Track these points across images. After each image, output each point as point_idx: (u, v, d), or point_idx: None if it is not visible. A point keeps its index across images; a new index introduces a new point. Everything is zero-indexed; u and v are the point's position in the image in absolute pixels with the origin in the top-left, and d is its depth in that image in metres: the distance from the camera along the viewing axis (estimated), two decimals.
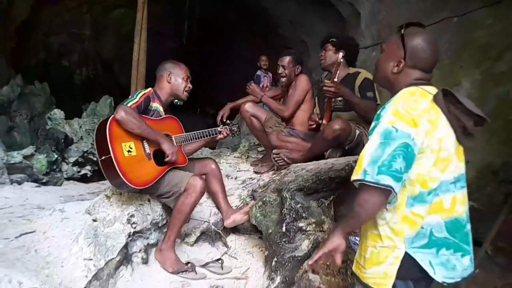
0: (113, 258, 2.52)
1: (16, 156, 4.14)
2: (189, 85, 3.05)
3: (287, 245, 2.61)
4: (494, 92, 3.92)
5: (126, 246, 2.66)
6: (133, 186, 2.57)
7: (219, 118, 3.58)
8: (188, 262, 2.83)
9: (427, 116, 1.47)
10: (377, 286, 1.53)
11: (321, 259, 1.62)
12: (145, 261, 2.79)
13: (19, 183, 3.92)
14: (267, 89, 7.19)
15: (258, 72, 7.56)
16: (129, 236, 2.70)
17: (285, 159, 3.39)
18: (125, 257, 2.65)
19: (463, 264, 1.53)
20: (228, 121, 3.42)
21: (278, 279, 2.48)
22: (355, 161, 2.90)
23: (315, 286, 2.39)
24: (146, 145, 2.74)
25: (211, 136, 3.16)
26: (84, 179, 4.72)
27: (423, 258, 1.49)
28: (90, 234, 2.51)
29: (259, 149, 4.84)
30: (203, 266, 2.89)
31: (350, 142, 3.17)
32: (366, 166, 1.44)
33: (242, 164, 4.12)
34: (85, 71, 9.72)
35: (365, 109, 3.15)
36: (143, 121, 2.66)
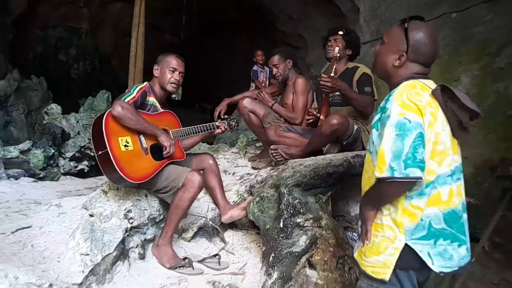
0: (110, 253, 2.51)
1: (13, 151, 4.12)
2: (175, 76, 2.96)
3: (284, 240, 2.60)
4: (492, 88, 3.92)
5: (123, 241, 2.64)
6: (131, 181, 2.55)
7: (216, 114, 3.58)
8: (185, 258, 2.82)
9: (430, 108, 1.50)
10: (376, 275, 1.56)
11: (367, 236, 1.63)
12: (142, 257, 2.78)
13: (16, 178, 3.91)
14: (263, 84, 7.18)
15: (255, 67, 7.53)
16: (126, 231, 2.69)
17: (283, 154, 3.39)
18: (122, 253, 2.63)
19: (459, 254, 1.56)
20: (226, 116, 3.40)
21: (275, 275, 2.47)
22: (353, 157, 2.95)
23: (313, 281, 2.38)
24: (143, 139, 2.72)
25: (209, 130, 3.14)
26: (81, 174, 4.71)
27: (422, 249, 1.51)
28: (87, 229, 2.50)
29: (257, 144, 4.84)
30: (200, 261, 2.88)
31: (348, 137, 3.17)
32: (390, 161, 1.44)
33: (240, 160, 4.11)
34: (82, 65, 9.67)
35: (362, 104, 3.15)
36: (140, 116, 2.65)
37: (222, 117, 3.42)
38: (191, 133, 3.04)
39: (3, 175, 3.82)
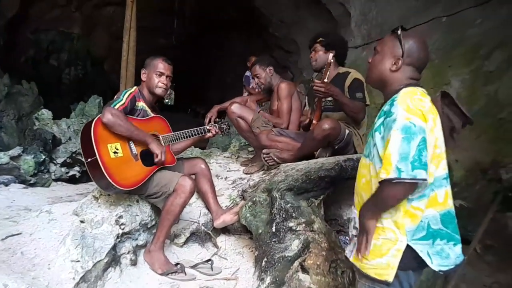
0: (101, 260, 2.49)
1: (3, 157, 4.08)
2: (162, 80, 2.92)
3: (277, 245, 2.60)
4: (483, 91, 3.95)
5: (114, 247, 2.63)
6: (121, 188, 2.54)
7: (206, 121, 3.57)
8: (178, 263, 2.81)
9: (431, 115, 1.56)
10: (379, 276, 1.60)
11: (367, 248, 1.64)
12: (134, 263, 2.76)
13: (6, 184, 3.87)
14: (257, 90, 7.17)
15: (247, 73, 7.50)
16: (118, 237, 2.67)
17: (275, 158, 3.38)
18: (114, 259, 2.61)
19: (455, 252, 1.62)
20: (217, 119, 3.40)
21: (268, 280, 2.46)
22: (345, 161, 2.95)
23: (305, 286, 2.39)
24: (132, 146, 2.71)
25: (200, 134, 3.14)
26: (72, 180, 4.67)
27: (422, 249, 1.57)
28: (77, 236, 2.48)
29: (250, 149, 4.83)
30: (193, 267, 2.87)
31: (339, 141, 3.17)
32: (397, 163, 1.48)
33: (232, 164, 4.11)
34: (74, 70, 9.61)
35: (353, 110, 3.17)
36: (130, 123, 2.63)
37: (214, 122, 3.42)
38: (181, 137, 3.03)
39: None
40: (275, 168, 3.33)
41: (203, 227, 3.17)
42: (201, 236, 3.20)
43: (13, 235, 2.55)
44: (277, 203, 2.75)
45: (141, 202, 2.91)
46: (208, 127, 3.19)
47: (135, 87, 2.94)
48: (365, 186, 1.72)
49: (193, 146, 4.48)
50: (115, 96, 2.74)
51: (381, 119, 1.62)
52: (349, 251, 1.79)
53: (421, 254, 1.56)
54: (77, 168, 4.75)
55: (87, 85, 9.27)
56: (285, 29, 9.10)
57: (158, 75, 2.91)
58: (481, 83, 4.01)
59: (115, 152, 2.58)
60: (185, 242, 3.14)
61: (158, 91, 2.93)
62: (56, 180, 4.54)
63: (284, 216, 2.69)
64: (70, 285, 2.26)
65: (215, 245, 3.18)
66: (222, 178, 3.79)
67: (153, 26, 10.52)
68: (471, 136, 3.77)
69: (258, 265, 2.67)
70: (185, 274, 2.75)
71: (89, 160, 2.52)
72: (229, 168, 4.01)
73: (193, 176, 3.11)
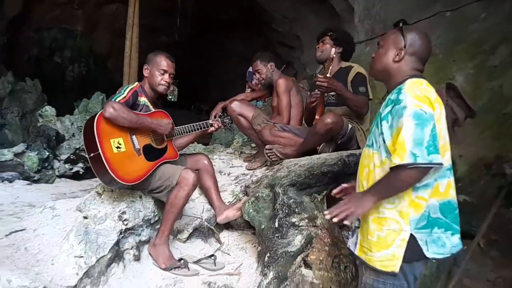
0: (104, 255, 2.49)
1: (7, 154, 4.09)
2: (165, 78, 2.91)
3: (280, 240, 2.60)
4: (487, 86, 3.94)
5: (117, 243, 2.63)
6: (124, 183, 2.54)
7: (211, 118, 3.56)
8: (181, 259, 2.81)
9: (438, 104, 1.58)
10: (385, 268, 1.60)
11: (347, 218, 1.62)
12: (137, 258, 2.76)
13: (10, 181, 3.88)
14: (259, 87, 7.16)
15: (250, 69, 7.50)
16: (121, 233, 2.67)
17: (278, 154, 3.38)
18: (117, 254, 2.62)
19: (452, 242, 1.63)
20: (220, 113, 3.40)
21: (271, 275, 2.46)
22: (348, 156, 2.95)
23: (308, 281, 2.39)
24: (135, 140, 2.71)
25: (203, 129, 3.14)
26: (76, 176, 4.68)
27: (422, 238, 1.58)
28: (81, 232, 2.49)
29: (253, 145, 4.83)
30: (196, 262, 2.87)
31: (342, 136, 3.17)
32: (412, 148, 1.48)
33: (235, 160, 4.10)
34: (77, 67, 9.63)
35: (357, 104, 3.16)
36: (133, 113, 2.63)
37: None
38: (184, 131, 3.03)
39: None
40: (278, 163, 3.32)
41: (206, 223, 3.17)
42: (204, 232, 3.19)
43: (17, 231, 2.56)
44: (280, 199, 2.75)
45: (144, 198, 2.91)
46: (210, 121, 3.19)
47: (137, 82, 2.93)
48: (368, 176, 1.72)
49: (196, 142, 4.48)
50: (117, 92, 2.74)
51: (389, 108, 1.63)
52: (352, 244, 1.79)
53: (420, 243, 1.57)
54: (80, 165, 4.75)
55: (91, 82, 9.28)
56: (288, 25, 9.08)
57: (161, 73, 2.90)
58: (485, 78, 3.99)
59: (117, 147, 2.58)
60: (188, 238, 3.14)
61: (160, 88, 2.92)
62: (60, 176, 4.55)
63: (287, 211, 2.69)
64: (73, 281, 2.27)
65: (218, 241, 3.18)
66: (225, 174, 3.79)
67: (154, 24, 10.52)
68: (475, 131, 3.76)
69: (261, 261, 2.67)
70: (188, 270, 2.75)
71: (92, 155, 2.52)
72: (232, 164, 4.01)
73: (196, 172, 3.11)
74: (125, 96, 2.65)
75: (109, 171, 2.47)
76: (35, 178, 4.17)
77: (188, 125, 3.06)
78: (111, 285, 2.48)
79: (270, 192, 2.90)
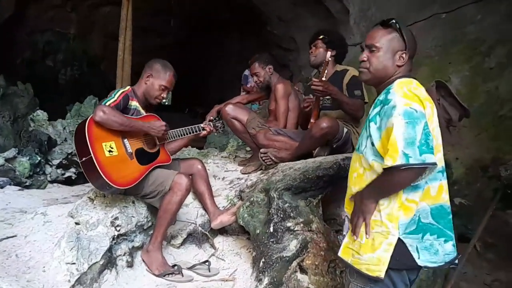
0: (96, 262, 2.47)
1: None
2: (164, 95, 2.91)
3: (275, 245, 2.58)
4: (483, 88, 3.95)
5: (110, 249, 2.60)
6: (117, 187, 2.51)
7: (207, 121, 3.53)
8: (175, 265, 2.78)
9: (428, 102, 1.54)
10: (371, 273, 1.54)
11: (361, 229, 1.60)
12: (130, 265, 2.74)
13: (1, 186, 3.82)
14: (255, 89, 7.12)
15: (246, 72, 7.44)
16: (113, 239, 2.64)
17: (273, 158, 3.36)
18: (109, 261, 2.59)
19: (445, 249, 1.57)
20: (212, 117, 3.38)
21: (266, 280, 2.45)
22: (343, 159, 2.92)
23: (304, 286, 2.38)
24: (127, 144, 2.68)
25: (195, 133, 3.11)
26: (68, 181, 4.62)
27: (412, 244, 1.52)
28: (72, 238, 2.46)
29: (247, 148, 4.79)
30: (190, 268, 2.85)
31: (338, 140, 3.15)
32: (404, 149, 1.43)
33: (230, 164, 4.07)
34: (70, 70, 9.60)
35: (352, 108, 3.15)
36: (123, 116, 2.60)
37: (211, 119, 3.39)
38: (176, 135, 3.00)
39: None
40: (273, 167, 3.30)
41: (200, 228, 3.14)
42: (198, 237, 3.17)
43: (8, 238, 2.52)
44: (275, 203, 2.72)
45: (137, 203, 2.88)
46: (202, 125, 3.17)
47: (129, 86, 2.91)
48: (356, 180, 1.68)
49: (190, 146, 4.45)
50: (108, 95, 2.71)
51: (377, 109, 1.58)
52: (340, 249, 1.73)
53: (410, 249, 1.52)
54: (73, 170, 4.70)
55: (84, 85, 9.23)
56: (284, 27, 9.07)
57: (162, 88, 2.87)
58: (481, 79, 4.00)
59: (110, 151, 2.56)
60: (182, 243, 3.11)
61: (154, 102, 2.92)
62: (52, 181, 4.50)
63: (282, 216, 2.66)
64: None
65: (213, 246, 3.15)
66: (219, 178, 3.76)
67: (149, 26, 10.49)
68: (471, 133, 3.77)
69: (255, 266, 2.65)
70: (182, 276, 2.72)
71: (83, 159, 2.50)
72: (227, 168, 3.98)
73: (190, 177, 3.08)
74: (115, 100, 2.62)
75: (102, 175, 2.45)
76: (27, 184, 4.12)
77: (180, 129, 3.03)
78: None
79: (265, 196, 2.87)
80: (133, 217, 2.80)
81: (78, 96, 6.85)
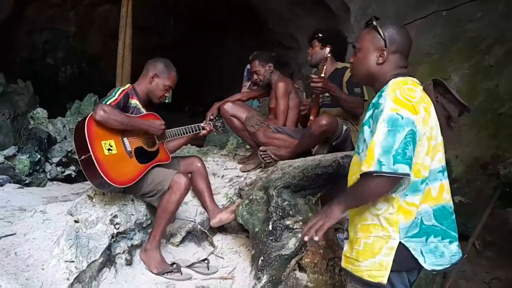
0: (95, 260, 2.47)
1: None
2: (167, 94, 2.94)
3: (273, 243, 2.58)
4: (483, 86, 3.94)
5: (109, 247, 2.60)
6: (115, 185, 2.51)
7: (207, 119, 3.52)
8: (174, 263, 2.78)
9: (423, 104, 1.50)
10: (373, 279, 1.50)
11: (317, 233, 1.56)
12: (129, 263, 2.73)
13: (1, 184, 3.85)
14: (253, 87, 7.09)
15: (248, 66, 7.38)
16: (112, 237, 2.64)
17: (272, 156, 3.35)
18: (108, 259, 2.59)
19: (450, 251, 1.56)
20: (212, 117, 3.38)
21: (264, 278, 2.45)
22: (342, 157, 2.92)
23: (303, 284, 2.38)
24: (127, 143, 2.68)
25: (194, 132, 3.11)
26: (68, 179, 4.64)
27: (415, 247, 1.50)
28: (71, 236, 2.46)
29: (247, 146, 4.79)
30: (189, 266, 2.84)
31: (337, 137, 3.14)
32: (379, 156, 1.41)
33: (229, 162, 4.07)
34: (70, 68, 9.60)
35: (351, 105, 3.13)
36: (124, 115, 2.60)
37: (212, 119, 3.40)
38: (176, 135, 3.00)
39: None
40: (272, 165, 3.29)
41: (199, 226, 3.14)
42: (198, 235, 3.17)
43: (7, 236, 2.53)
44: (274, 201, 2.72)
45: (136, 202, 2.88)
46: (202, 125, 3.17)
47: (129, 84, 2.90)
48: None
49: (189, 144, 4.45)
50: (108, 93, 2.71)
51: (370, 112, 1.56)
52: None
53: (414, 253, 1.49)
54: (72, 168, 4.72)
55: (83, 83, 9.22)
56: (284, 25, 9.06)
57: (166, 89, 2.90)
58: (481, 77, 3.98)
59: (109, 149, 2.55)
60: (181, 242, 3.11)
61: (158, 101, 2.94)
62: (52, 179, 4.52)
63: (281, 214, 2.67)
64: (64, 286, 2.25)
65: (212, 244, 3.15)
66: (219, 176, 3.76)
67: (148, 25, 10.47)
68: (471, 131, 3.76)
69: (254, 264, 2.65)
70: (181, 274, 2.72)
71: (83, 157, 2.49)
72: (226, 166, 3.97)
73: (189, 175, 3.07)
74: (116, 98, 2.62)
75: (101, 173, 2.44)
76: (27, 182, 4.14)
77: (180, 128, 3.03)
78: None
79: (264, 194, 2.86)
80: (132, 215, 2.80)
81: (78, 94, 6.84)
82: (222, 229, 3.23)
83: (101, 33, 10.24)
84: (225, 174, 3.78)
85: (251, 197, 2.90)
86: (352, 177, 1.68)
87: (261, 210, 2.81)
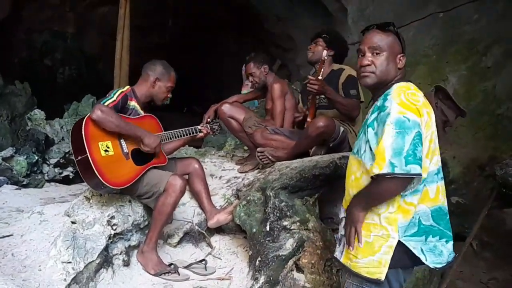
0: (93, 261, 2.47)
1: None
2: (170, 95, 2.98)
3: (271, 244, 2.58)
4: (480, 87, 3.95)
5: (106, 248, 2.60)
6: (111, 187, 2.51)
7: (204, 121, 3.52)
8: (171, 264, 2.78)
9: (426, 109, 1.56)
10: (371, 275, 1.56)
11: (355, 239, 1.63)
12: (127, 264, 2.74)
13: None
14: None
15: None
16: (110, 238, 2.64)
17: (270, 157, 3.35)
18: (106, 260, 2.59)
19: (448, 249, 1.62)
20: (209, 119, 3.38)
21: (262, 279, 2.45)
22: (340, 158, 2.93)
23: (300, 285, 2.38)
24: (124, 144, 2.67)
25: (191, 134, 3.11)
26: (66, 180, 4.62)
27: (416, 246, 1.55)
28: (68, 237, 2.46)
29: (245, 148, 4.79)
30: (187, 267, 2.85)
31: (334, 139, 3.15)
32: (390, 158, 1.46)
33: (227, 163, 4.07)
34: (68, 69, 9.58)
35: (347, 108, 3.14)
36: (120, 119, 2.60)
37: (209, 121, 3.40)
38: (172, 137, 2.99)
39: None
40: (270, 166, 3.30)
41: (197, 227, 3.13)
42: (195, 236, 3.17)
43: (4, 237, 2.53)
44: (271, 202, 2.73)
45: (133, 203, 2.88)
46: (199, 127, 3.17)
47: (128, 86, 2.90)
48: (354, 183, 1.70)
49: (187, 145, 4.45)
50: (107, 95, 2.71)
51: (375, 114, 1.60)
52: (339, 252, 1.76)
53: (414, 251, 1.55)
54: (70, 169, 4.69)
55: (82, 85, 9.21)
56: (282, 26, 9.06)
57: (169, 90, 2.94)
58: (478, 79, 4.00)
59: (106, 150, 2.55)
60: (179, 242, 3.11)
61: (161, 103, 2.97)
62: (49, 181, 4.49)
63: (278, 215, 2.67)
64: (61, 287, 2.25)
65: (209, 245, 3.15)
66: (216, 177, 3.75)
67: (147, 25, 10.47)
68: (469, 132, 3.77)
69: (252, 265, 2.66)
70: (179, 275, 2.72)
71: (79, 158, 2.49)
72: (224, 167, 3.97)
73: (187, 176, 3.08)
74: (114, 100, 2.62)
75: (97, 174, 2.44)
76: (24, 183, 4.12)
77: (177, 130, 3.03)
78: None
79: (262, 195, 2.87)
80: (130, 216, 2.80)
81: (75, 95, 6.82)
82: (219, 230, 3.23)
83: (99, 34, 10.23)
84: (223, 175, 3.78)
85: (248, 198, 2.91)
86: (351, 177, 1.73)
87: (259, 211, 2.82)
